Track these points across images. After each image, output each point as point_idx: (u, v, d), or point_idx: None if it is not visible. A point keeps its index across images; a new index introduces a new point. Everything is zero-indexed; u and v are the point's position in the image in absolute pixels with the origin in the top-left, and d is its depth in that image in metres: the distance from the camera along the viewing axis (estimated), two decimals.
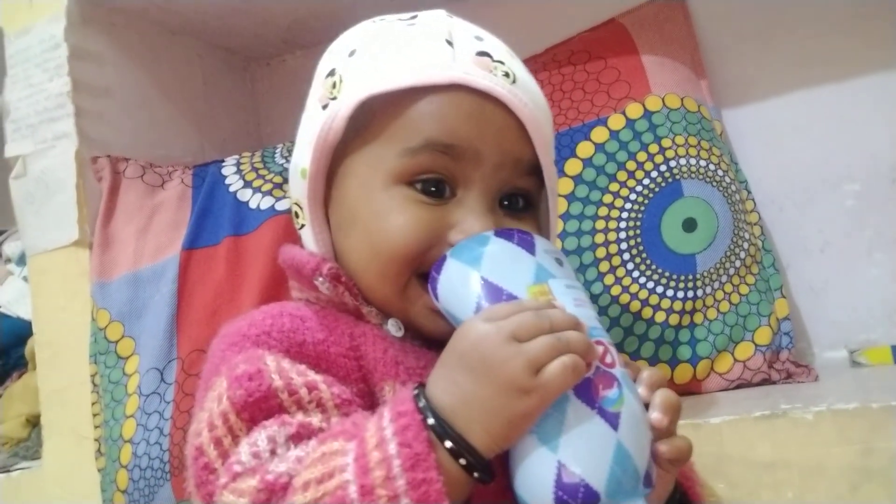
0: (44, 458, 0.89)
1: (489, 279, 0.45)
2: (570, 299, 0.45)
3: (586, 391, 0.42)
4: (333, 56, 0.55)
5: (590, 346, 0.42)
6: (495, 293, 0.44)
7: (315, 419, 0.44)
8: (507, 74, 0.51)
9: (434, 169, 0.50)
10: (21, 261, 1.08)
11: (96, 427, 0.83)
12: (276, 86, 1.20)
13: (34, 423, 0.99)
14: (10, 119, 0.93)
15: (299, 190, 0.54)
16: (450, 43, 0.51)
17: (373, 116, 0.51)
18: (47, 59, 0.91)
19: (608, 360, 0.43)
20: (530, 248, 0.47)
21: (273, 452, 0.42)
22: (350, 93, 0.51)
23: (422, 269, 0.50)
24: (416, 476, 0.38)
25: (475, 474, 0.40)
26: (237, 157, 0.93)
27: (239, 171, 0.90)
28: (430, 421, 0.40)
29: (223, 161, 0.92)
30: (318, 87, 0.54)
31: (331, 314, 0.52)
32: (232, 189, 0.88)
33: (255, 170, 0.90)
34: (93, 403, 0.83)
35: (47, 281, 0.90)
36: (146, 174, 0.92)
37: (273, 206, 0.85)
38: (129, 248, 0.86)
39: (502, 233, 0.48)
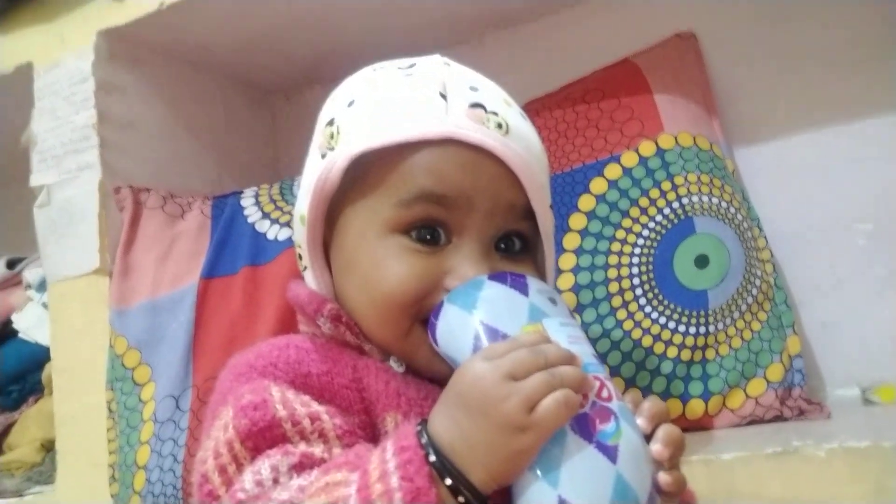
0: (57, 483, 0.90)
1: (485, 321, 0.47)
2: (564, 336, 0.46)
3: (583, 425, 0.42)
4: (334, 105, 0.56)
5: (584, 380, 0.43)
6: (492, 334, 0.46)
7: (317, 449, 0.45)
8: (499, 125, 0.52)
9: (428, 218, 0.51)
10: (41, 287, 1.09)
11: (111, 453, 0.83)
12: (295, 120, 1.23)
13: (48, 448, 1.00)
14: (37, 150, 0.96)
15: (300, 235, 0.56)
16: (443, 96, 0.52)
17: (368, 169, 0.52)
18: (74, 93, 0.94)
19: (604, 394, 0.44)
20: (524, 289, 0.49)
21: (276, 481, 0.43)
22: (346, 146, 0.52)
23: (422, 315, 0.51)
24: None
25: None
26: (256, 188, 0.95)
27: (257, 203, 0.92)
28: (432, 458, 0.41)
29: (242, 192, 0.94)
30: (319, 134, 0.56)
31: (335, 347, 0.53)
32: (250, 220, 0.90)
33: (274, 201, 0.92)
34: (108, 429, 0.84)
35: (67, 307, 0.92)
36: (167, 204, 0.93)
37: (290, 237, 0.86)
38: (149, 277, 0.87)
39: (496, 276, 0.49)
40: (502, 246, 0.54)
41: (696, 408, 0.78)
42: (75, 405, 0.89)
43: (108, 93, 0.94)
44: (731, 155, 0.92)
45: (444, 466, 0.41)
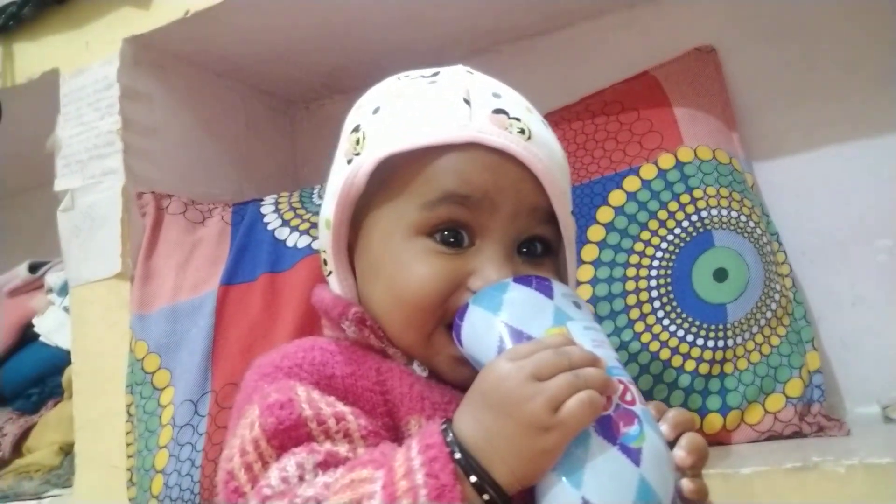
0: (75, 487, 0.90)
1: (510, 323, 0.47)
2: (588, 340, 0.46)
3: (607, 428, 0.42)
4: (359, 112, 0.57)
5: (608, 382, 0.43)
6: (516, 336, 0.46)
7: (342, 449, 0.45)
8: (522, 131, 0.53)
9: (452, 219, 0.52)
10: (62, 291, 1.10)
11: (129, 457, 0.84)
12: (315, 129, 1.24)
13: (67, 451, 1.01)
14: (62, 155, 0.97)
15: (325, 239, 0.57)
16: (467, 102, 0.53)
17: (393, 172, 0.53)
18: (100, 99, 0.95)
19: (628, 397, 0.44)
20: (548, 292, 0.49)
21: (301, 478, 0.43)
22: (372, 150, 0.53)
23: (446, 318, 0.52)
24: None
25: None
26: (276, 196, 0.95)
27: (277, 210, 0.92)
28: (457, 455, 0.42)
29: (262, 200, 0.95)
30: (345, 141, 0.57)
31: (359, 350, 0.53)
32: (270, 227, 0.90)
33: (293, 209, 0.92)
34: (127, 433, 0.85)
35: (88, 311, 0.93)
36: (188, 211, 0.94)
37: (310, 244, 0.87)
38: (169, 282, 0.88)
39: (521, 279, 0.50)
40: (524, 250, 0.54)
41: (713, 422, 0.78)
42: (95, 409, 0.90)
43: (133, 99, 0.96)
44: (751, 169, 0.92)
45: (468, 464, 0.41)
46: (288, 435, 0.45)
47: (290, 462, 0.44)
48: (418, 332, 0.52)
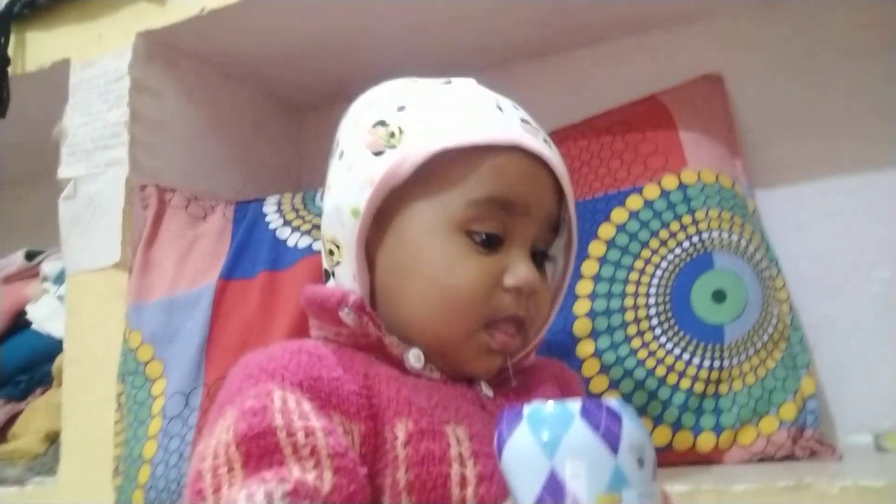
0: (59, 475, 0.89)
1: (560, 475, 0.42)
2: None
3: None
4: (378, 108, 0.58)
5: None
6: (560, 494, 0.42)
7: (310, 476, 0.44)
8: (545, 140, 0.57)
9: (493, 220, 0.54)
10: (58, 280, 1.10)
11: (116, 446, 0.83)
12: (321, 134, 1.23)
13: (53, 439, 0.99)
14: (67, 143, 0.97)
15: (346, 228, 0.56)
16: (500, 108, 0.56)
17: (438, 166, 0.54)
18: (109, 90, 0.96)
19: None
20: (615, 441, 0.43)
21: None
22: (418, 143, 0.54)
23: (485, 317, 0.54)
24: None
25: None
26: (279, 196, 0.96)
27: (279, 210, 0.93)
28: None
29: (264, 199, 0.95)
30: (364, 134, 0.56)
31: (347, 353, 0.53)
32: (272, 226, 0.90)
33: (296, 210, 0.92)
34: (115, 422, 0.84)
35: (84, 300, 0.93)
36: (190, 205, 0.94)
37: (310, 245, 0.87)
38: (168, 274, 0.88)
39: (589, 414, 0.44)
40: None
41: (706, 441, 0.78)
42: (84, 397, 0.89)
43: (142, 93, 0.96)
44: (753, 195, 0.93)
45: None
46: (256, 442, 0.45)
47: (259, 491, 0.42)
48: (464, 327, 0.54)
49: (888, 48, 0.92)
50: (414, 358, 0.54)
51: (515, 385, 0.57)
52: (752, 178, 0.94)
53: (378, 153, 0.55)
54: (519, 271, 0.54)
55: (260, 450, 0.44)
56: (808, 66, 0.96)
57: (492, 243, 0.54)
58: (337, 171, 0.58)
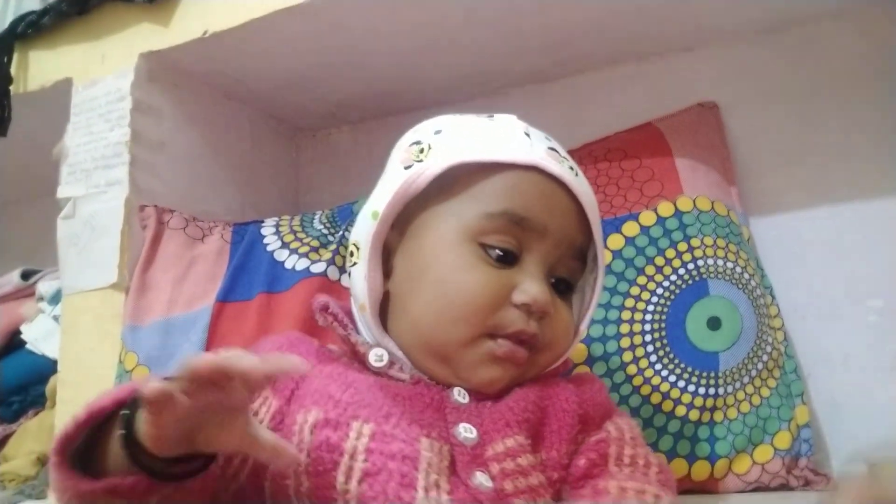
0: (50, 499, 0.88)
1: None
2: None
3: None
4: (419, 132, 0.62)
5: None
6: None
7: None
8: (571, 168, 0.59)
9: (508, 235, 0.56)
10: (53, 300, 1.10)
11: None
12: (320, 157, 1.25)
13: (44, 462, 0.99)
14: (67, 163, 0.98)
15: (365, 230, 0.59)
16: (527, 135, 0.59)
17: (456, 180, 0.57)
18: (111, 111, 0.96)
19: None
20: None
21: None
22: (440, 157, 0.58)
23: (489, 329, 0.55)
24: None
25: None
26: (277, 218, 0.96)
27: (277, 232, 0.93)
28: None
29: (263, 221, 0.95)
30: (402, 153, 0.61)
31: (325, 352, 0.59)
32: (269, 248, 0.91)
33: (294, 232, 0.93)
34: None
35: (80, 321, 0.92)
36: (188, 227, 0.95)
37: (308, 267, 0.87)
38: (165, 295, 0.88)
39: None
40: (552, 281, 0.58)
41: (701, 470, 0.78)
42: None
43: (144, 113, 0.96)
44: (748, 223, 0.93)
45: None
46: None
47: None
48: (466, 334, 0.55)
49: (882, 79, 0.93)
50: (374, 357, 0.57)
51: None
52: (747, 206, 0.95)
53: (408, 167, 0.58)
54: (528, 288, 0.55)
55: None
56: (802, 96, 0.97)
57: (506, 260, 0.56)
58: (377, 185, 0.62)
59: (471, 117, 0.62)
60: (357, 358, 0.58)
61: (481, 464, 0.52)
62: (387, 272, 0.59)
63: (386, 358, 0.57)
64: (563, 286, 0.59)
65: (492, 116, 0.62)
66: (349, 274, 0.61)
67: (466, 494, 0.50)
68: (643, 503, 0.50)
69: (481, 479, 0.51)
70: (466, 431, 0.53)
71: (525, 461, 0.52)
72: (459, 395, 0.55)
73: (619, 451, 0.55)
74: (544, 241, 0.57)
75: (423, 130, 0.62)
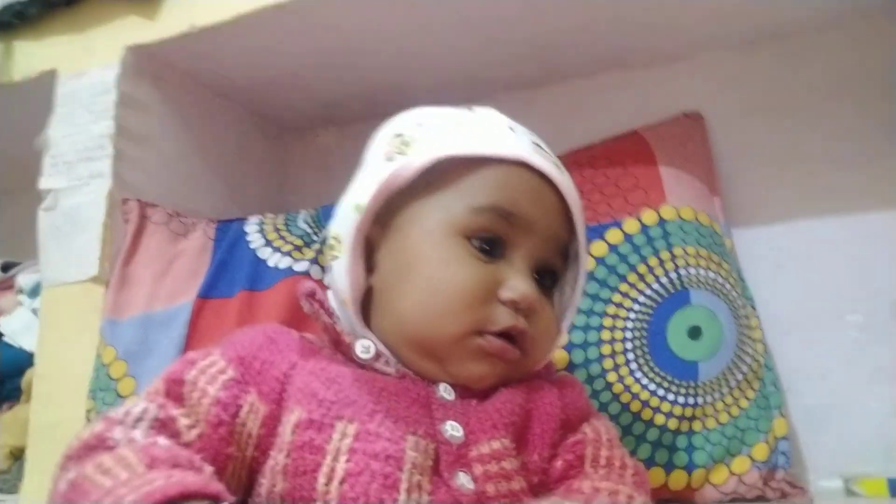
0: (22, 492, 0.87)
1: None
2: None
3: None
4: (400, 124, 0.61)
5: None
6: None
7: (184, 422, 0.50)
8: (555, 163, 0.59)
9: (493, 229, 0.55)
10: (33, 293, 1.08)
11: None
12: (306, 157, 1.24)
13: (17, 455, 0.97)
14: (50, 154, 0.97)
15: (347, 223, 0.58)
16: (512, 130, 0.59)
17: (442, 174, 0.56)
18: (95, 103, 0.95)
19: None
20: None
21: (138, 420, 0.49)
22: (425, 150, 0.57)
23: (477, 325, 0.54)
24: None
25: None
26: (260, 217, 0.95)
27: (261, 231, 0.92)
28: None
29: (246, 219, 0.95)
30: (383, 145, 0.60)
31: (305, 345, 0.57)
32: (252, 246, 0.90)
33: (277, 230, 0.92)
34: None
35: (59, 314, 0.91)
36: (171, 222, 0.94)
37: (290, 266, 0.87)
38: (145, 290, 0.87)
39: None
40: (536, 277, 0.58)
41: (679, 479, 0.78)
42: (53, 413, 0.87)
43: (129, 107, 0.96)
44: (730, 234, 0.94)
45: None
46: (168, 385, 0.53)
47: (140, 403, 0.51)
48: (455, 328, 0.54)
49: (867, 91, 0.94)
50: (361, 349, 0.56)
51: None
52: (730, 217, 0.95)
53: (390, 159, 0.58)
54: (515, 285, 0.54)
55: (168, 387, 0.53)
56: (787, 107, 0.98)
57: (491, 252, 0.55)
58: (355, 178, 0.61)
59: (451, 110, 0.61)
60: (340, 349, 0.57)
61: (465, 464, 0.51)
62: (369, 267, 0.59)
63: (373, 350, 0.56)
64: (547, 282, 0.59)
65: (471, 109, 0.61)
66: (330, 268, 0.60)
67: (447, 496, 0.50)
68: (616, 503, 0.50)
69: (463, 479, 0.50)
70: (453, 430, 0.52)
71: (509, 465, 0.51)
72: (445, 392, 0.55)
73: (595, 453, 0.55)
74: (531, 236, 0.56)
75: (403, 122, 0.61)
